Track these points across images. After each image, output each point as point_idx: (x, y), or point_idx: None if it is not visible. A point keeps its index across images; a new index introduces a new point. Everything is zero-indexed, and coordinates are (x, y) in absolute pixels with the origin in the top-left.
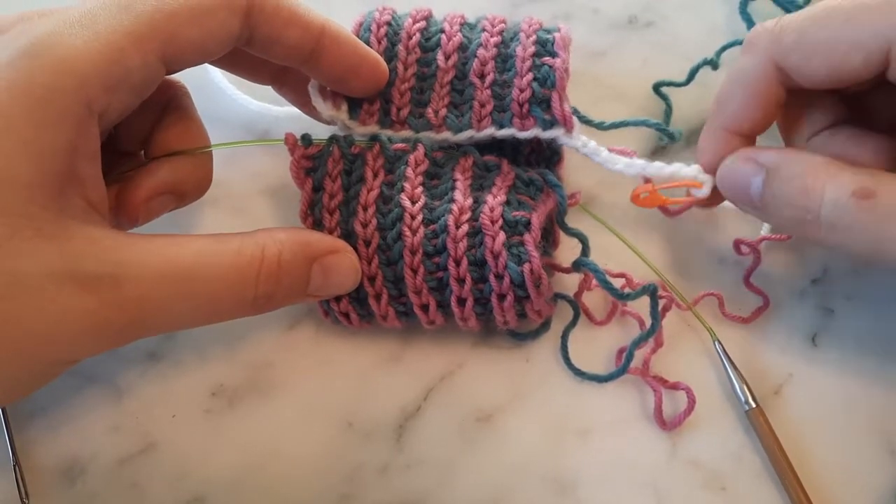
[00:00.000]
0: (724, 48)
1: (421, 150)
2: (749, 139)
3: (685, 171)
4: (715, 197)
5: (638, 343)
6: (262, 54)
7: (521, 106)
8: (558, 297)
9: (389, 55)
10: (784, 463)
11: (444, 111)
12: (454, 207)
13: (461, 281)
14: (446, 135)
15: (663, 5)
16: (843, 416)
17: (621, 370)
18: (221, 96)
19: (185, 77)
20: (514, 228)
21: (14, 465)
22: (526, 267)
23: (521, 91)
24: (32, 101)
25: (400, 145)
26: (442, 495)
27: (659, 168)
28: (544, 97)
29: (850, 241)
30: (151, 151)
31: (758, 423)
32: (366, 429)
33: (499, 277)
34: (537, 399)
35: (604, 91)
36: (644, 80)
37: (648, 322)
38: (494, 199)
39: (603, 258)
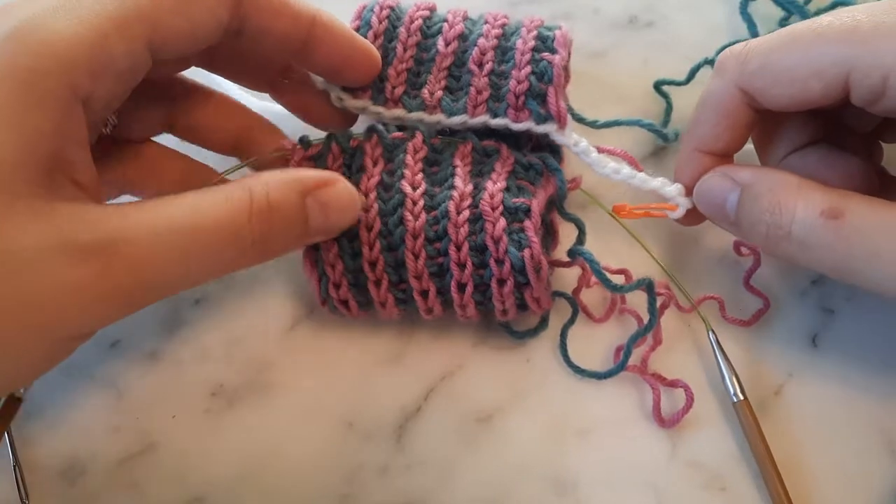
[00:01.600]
0: (724, 48)
1: (419, 137)
2: (724, 159)
3: (667, 189)
4: (694, 217)
5: (636, 339)
6: (252, 46)
7: (517, 97)
8: (557, 294)
9: (389, 36)
10: (766, 456)
11: (440, 93)
12: (454, 194)
13: (462, 266)
14: (440, 117)
15: (663, 5)
16: (843, 416)
17: (619, 366)
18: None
19: (188, 75)
20: (514, 215)
21: (14, 465)
22: (526, 252)
23: (519, 83)
24: (16, 83)
25: (398, 134)
26: (442, 495)
27: (642, 181)
28: (540, 91)
29: (819, 260)
30: (180, 132)
31: (744, 416)
32: (366, 429)
33: (499, 262)
34: (537, 399)
35: (604, 91)
36: (644, 80)
37: (646, 319)
38: (494, 186)
39: (606, 258)
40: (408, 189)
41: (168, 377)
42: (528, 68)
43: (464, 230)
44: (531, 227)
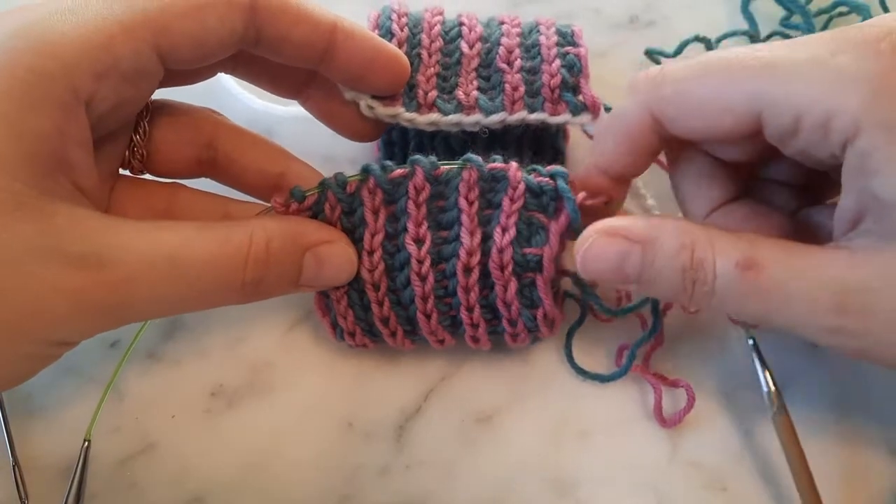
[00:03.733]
0: (723, 37)
1: (420, 174)
2: (620, 183)
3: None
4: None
5: (640, 344)
6: (273, 56)
7: (552, 91)
8: (567, 295)
9: (412, 44)
10: (803, 470)
11: (475, 93)
12: (462, 252)
13: (475, 325)
14: (477, 117)
15: (664, 5)
16: (843, 416)
17: (623, 370)
18: (226, 95)
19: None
20: (524, 267)
21: (13, 466)
22: (539, 312)
23: (552, 77)
24: (17, 83)
25: (397, 172)
26: (442, 496)
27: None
28: (574, 83)
29: (738, 310)
30: (219, 174)
31: (782, 428)
32: (366, 429)
33: (512, 322)
34: (537, 400)
35: (605, 91)
36: None
37: (650, 320)
38: (503, 238)
39: None
40: (412, 249)
41: (168, 377)
42: (558, 62)
43: (474, 294)
44: (542, 283)
